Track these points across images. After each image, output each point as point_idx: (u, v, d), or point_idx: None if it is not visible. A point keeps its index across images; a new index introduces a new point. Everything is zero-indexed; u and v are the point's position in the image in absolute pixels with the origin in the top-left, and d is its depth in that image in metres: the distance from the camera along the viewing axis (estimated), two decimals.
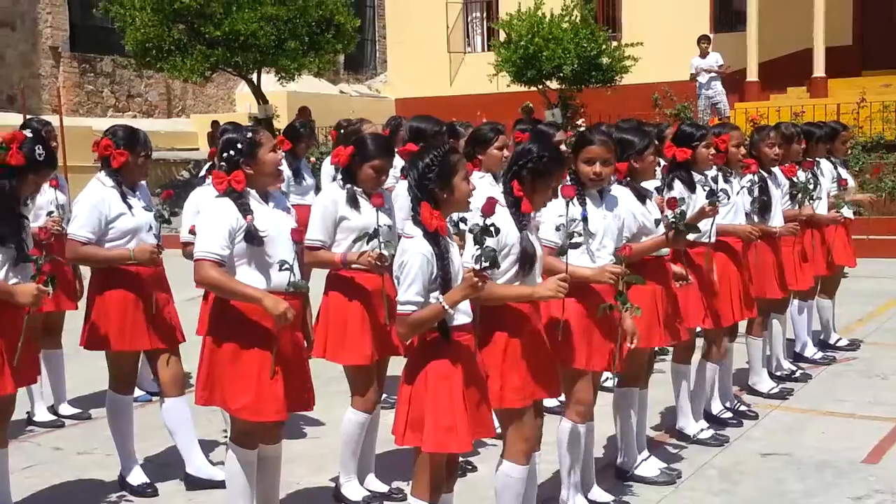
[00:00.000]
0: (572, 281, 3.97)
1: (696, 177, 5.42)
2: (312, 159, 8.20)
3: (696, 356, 5.77)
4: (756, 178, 5.89)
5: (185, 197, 5.41)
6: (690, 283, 5.13)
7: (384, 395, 5.18)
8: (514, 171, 3.82)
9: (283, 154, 7.68)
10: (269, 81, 20.71)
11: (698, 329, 5.73)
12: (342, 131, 6.01)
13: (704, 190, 5.35)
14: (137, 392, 5.56)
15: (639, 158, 4.69)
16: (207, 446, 5.51)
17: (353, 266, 4.51)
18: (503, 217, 3.69)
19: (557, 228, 3.93)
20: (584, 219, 4.16)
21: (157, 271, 4.93)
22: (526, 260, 3.75)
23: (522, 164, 3.81)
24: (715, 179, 5.46)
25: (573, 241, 3.93)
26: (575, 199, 4.09)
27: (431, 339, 3.48)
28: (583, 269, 4.14)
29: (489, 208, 3.38)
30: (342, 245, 4.52)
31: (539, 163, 3.79)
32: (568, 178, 4.20)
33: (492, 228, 3.33)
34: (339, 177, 4.61)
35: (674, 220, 4.58)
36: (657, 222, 4.64)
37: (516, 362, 3.78)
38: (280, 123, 19.59)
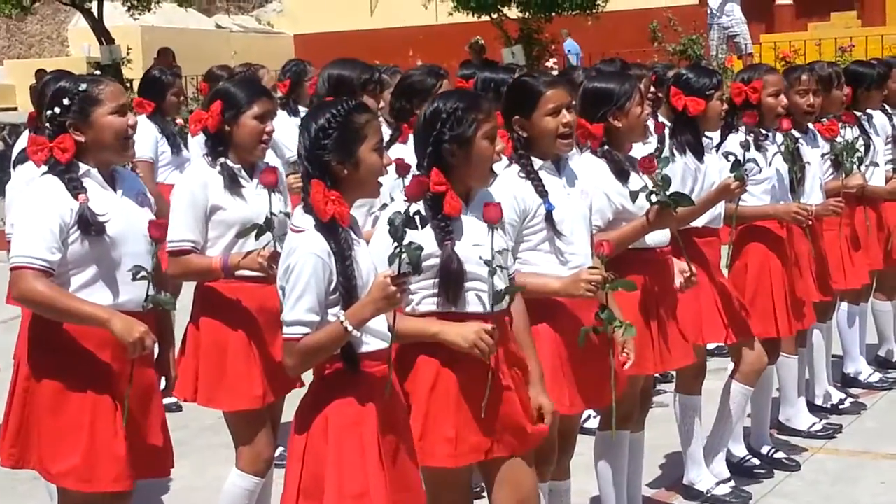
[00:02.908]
0: (537, 298, 4.02)
1: (706, 141, 5.49)
2: (179, 121, 8.11)
3: (713, 383, 5.81)
4: (788, 140, 5.95)
5: (2, 176, 5.38)
6: (695, 283, 5.18)
7: (279, 449, 5.15)
8: (432, 151, 3.81)
9: (145, 118, 7.62)
10: (114, 13, 20.54)
11: (711, 346, 5.81)
12: (220, 84, 5.93)
13: (723, 159, 5.44)
14: None
15: (619, 114, 4.73)
16: None
17: (237, 274, 4.54)
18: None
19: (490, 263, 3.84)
20: (549, 213, 4.20)
21: None
22: (449, 282, 3.77)
23: (437, 135, 3.79)
24: (746, 145, 5.56)
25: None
26: (531, 184, 4.16)
27: (332, 373, 3.49)
28: (547, 280, 4.19)
29: (415, 190, 3.40)
30: (218, 246, 4.55)
31: (457, 122, 3.79)
32: (512, 148, 4.25)
33: (416, 218, 3.36)
34: (206, 151, 4.64)
35: (653, 189, 4.60)
36: (633, 196, 4.64)
37: (450, 403, 3.81)
38: (133, 72, 19.43)
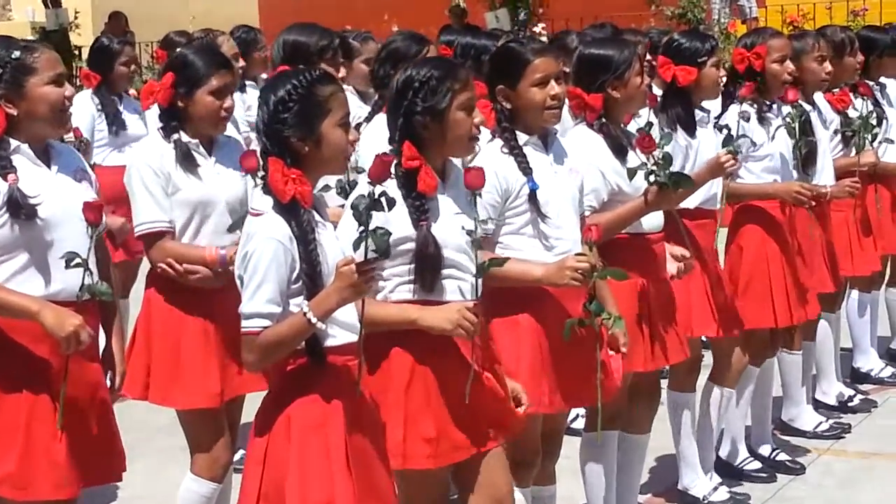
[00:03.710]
0: (519, 287, 4.05)
1: (699, 114, 5.51)
2: (133, 92, 8.08)
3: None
4: (794, 112, 5.96)
5: None
6: (692, 268, 5.20)
7: (238, 453, 5.17)
8: (403, 123, 3.86)
9: (90, 93, 7.62)
10: None
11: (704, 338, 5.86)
12: (176, 52, 5.91)
13: (717, 132, 5.46)
14: None
15: (618, 84, 4.76)
16: None
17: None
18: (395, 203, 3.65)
19: (471, 234, 3.88)
20: (533, 193, 4.23)
21: None
22: (424, 261, 3.82)
23: (409, 105, 3.83)
24: (745, 116, 5.59)
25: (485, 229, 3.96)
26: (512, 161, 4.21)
27: (295, 369, 3.50)
28: (530, 267, 4.20)
29: (379, 170, 3.42)
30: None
31: (430, 93, 3.83)
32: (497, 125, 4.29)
33: (383, 200, 3.38)
34: (160, 125, 4.66)
35: (653, 168, 4.63)
36: (630, 174, 4.67)
37: (429, 400, 3.84)
38: (82, 38, 19.27)
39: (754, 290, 5.85)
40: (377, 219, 3.38)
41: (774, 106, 5.90)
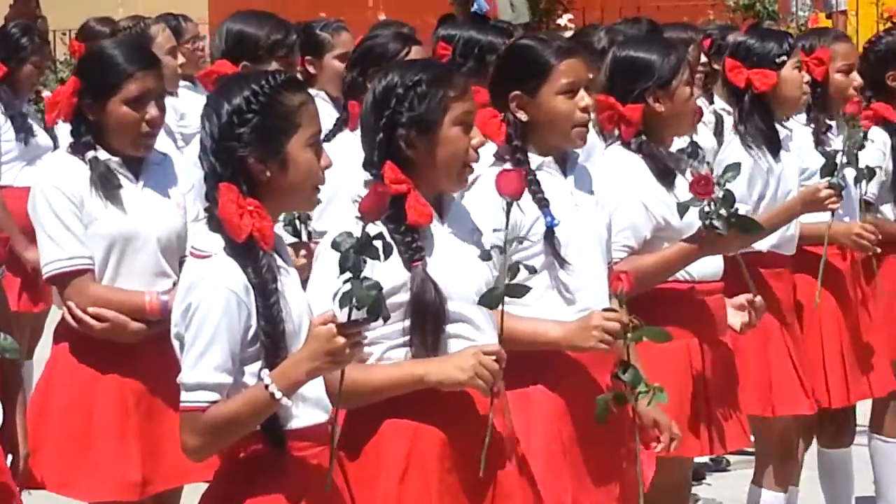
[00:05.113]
0: (531, 351, 4.06)
1: (783, 131, 5.56)
2: (47, 94, 8.07)
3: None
4: (854, 132, 5.81)
5: None
6: (763, 311, 5.17)
7: None
8: (384, 139, 3.85)
9: None
10: None
11: None
12: (93, 47, 5.89)
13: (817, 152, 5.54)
14: None
15: (662, 94, 4.81)
16: None
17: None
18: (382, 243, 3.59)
19: (487, 256, 3.93)
20: (551, 231, 4.24)
21: None
22: (424, 314, 3.79)
23: (391, 116, 3.83)
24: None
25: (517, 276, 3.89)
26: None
27: (249, 457, 3.48)
28: (545, 326, 4.23)
29: (373, 203, 3.37)
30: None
31: (417, 100, 3.83)
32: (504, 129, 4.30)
33: (378, 244, 3.36)
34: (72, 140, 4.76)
35: (710, 210, 4.63)
36: (681, 210, 4.65)
37: (430, 493, 3.81)
38: None
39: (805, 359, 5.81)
40: (368, 269, 3.35)
41: (833, 125, 5.95)
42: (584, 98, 4.35)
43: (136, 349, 4.56)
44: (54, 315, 4.88)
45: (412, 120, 3.80)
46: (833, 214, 5.49)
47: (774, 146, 5.51)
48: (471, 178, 4.05)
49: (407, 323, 3.81)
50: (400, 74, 3.87)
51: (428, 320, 3.80)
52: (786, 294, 5.60)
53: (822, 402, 5.83)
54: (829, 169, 5.34)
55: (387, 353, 3.83)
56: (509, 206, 3.79)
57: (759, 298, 5.07)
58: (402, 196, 3.77)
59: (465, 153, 3.87)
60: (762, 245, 5.38)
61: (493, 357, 3.72)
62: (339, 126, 5.30)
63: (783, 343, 5.54)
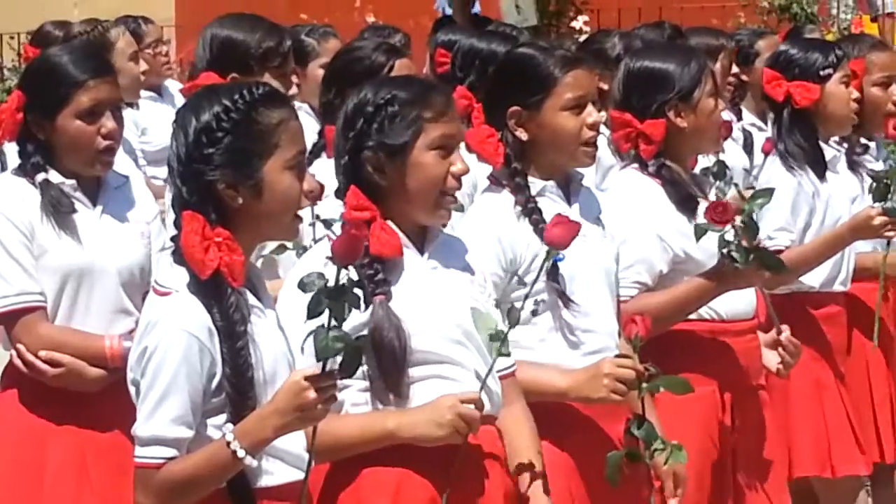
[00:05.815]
0: (534, 403, 3.92)
1: (830, 151, 5.49)
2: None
3: None
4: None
5: None
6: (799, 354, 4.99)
7: None
8: (348, 162, 3.80)
9: None
10: None
11: None
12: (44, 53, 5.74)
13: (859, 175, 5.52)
14: None
15: (684, 108, 4.71)
16: None
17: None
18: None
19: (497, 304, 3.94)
20: (555, 267, 4.09)
21: None
22: (380, 352, 3.73)
23: (358, 137, 3.78)
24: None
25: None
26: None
27: None
28: (549, 375, 4.17)
29: (347, 247, 3.24)
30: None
31: (388, 121, 3.76)
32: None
33: (356, 291, 3.26)
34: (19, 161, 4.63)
35: (731, 240, 4.50)
36: (698, 233, 4.47)
37: None
38: None
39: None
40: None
41: (870, 146, 5.89)
42: (592, 113, 4.28)
43: (95, 396, 4.50)
44: (1, 357, 4.78)
45: (380, 143, 3.74)
46: (889, 243, 5.40)
47: (819, 167, 5.47)
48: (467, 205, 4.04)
49: (366, 371, 3.79)
50: (373, 92, 3.86)
51: (384, 359, 3.77)
52: (839, 340, 5.53)
53: (873, 457, 5.71)
54: (882, 192, 5.22)
55: (352, 397, 3.82)
56: (548, 254, 3.87)
57: (785, 335, 4.93)
58: (366, 223, 3.76)
59: (442, 181, 3.84)
60: (813, 280, 5.32)
61: (472, 402, 3.72)
62: (315, 153, 5.18)
63: (838, 396, 5.49)
